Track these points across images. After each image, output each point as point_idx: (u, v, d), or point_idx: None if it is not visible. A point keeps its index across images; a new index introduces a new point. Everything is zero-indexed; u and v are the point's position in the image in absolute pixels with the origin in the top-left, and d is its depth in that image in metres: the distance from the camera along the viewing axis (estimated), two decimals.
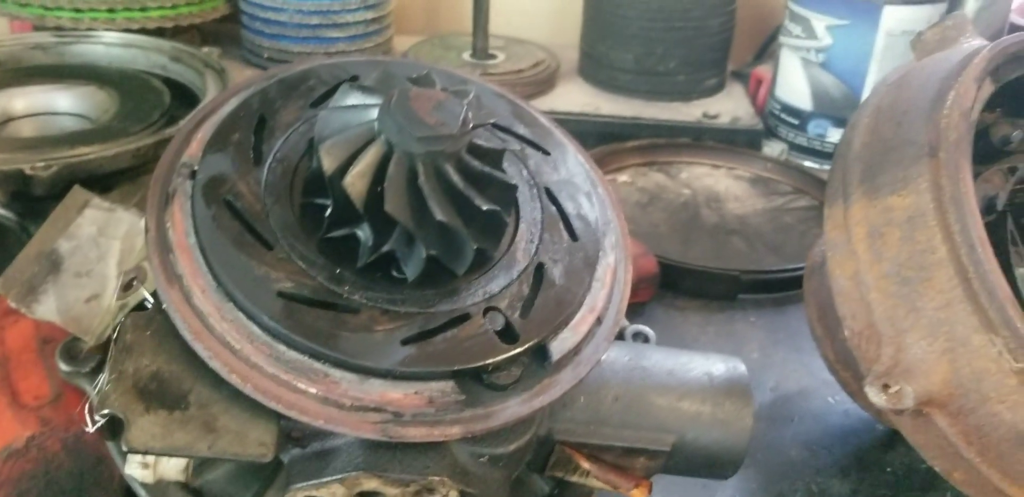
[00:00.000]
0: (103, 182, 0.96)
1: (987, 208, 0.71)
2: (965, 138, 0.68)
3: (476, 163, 0.61)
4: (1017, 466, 0.65)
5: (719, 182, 1.38)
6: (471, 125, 0.61)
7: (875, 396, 0.65)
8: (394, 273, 0.64)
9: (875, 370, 0.66)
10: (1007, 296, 0.63)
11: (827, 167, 1.41)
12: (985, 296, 0.63)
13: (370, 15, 1.49)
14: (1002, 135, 0.76)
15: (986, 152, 0.77)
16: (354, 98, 0.63)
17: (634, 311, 0.83)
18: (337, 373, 0.59)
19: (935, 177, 0.66)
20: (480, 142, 0.62)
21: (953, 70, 0.71)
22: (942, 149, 0.67)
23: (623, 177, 1.36)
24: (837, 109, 1.40)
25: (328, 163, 0.60)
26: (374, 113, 0.61)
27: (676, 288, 1.10)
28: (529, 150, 0.73)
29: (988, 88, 0.72)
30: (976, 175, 0.72)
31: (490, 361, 0.61)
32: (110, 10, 1.39)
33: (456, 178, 0.60)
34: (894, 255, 0.67)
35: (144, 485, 0.68)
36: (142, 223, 0.75)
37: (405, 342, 0.60)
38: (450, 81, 0.69)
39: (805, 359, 0.98)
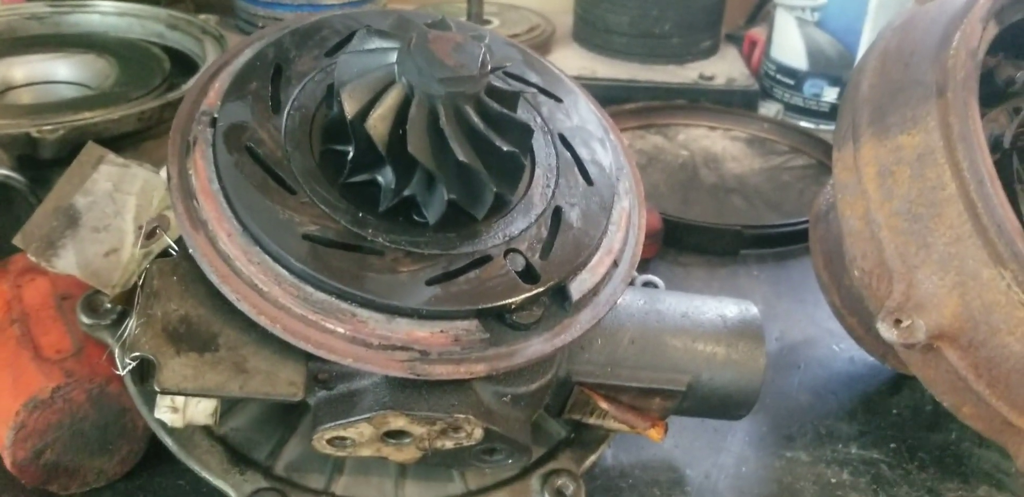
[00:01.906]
0: (107, 147, 0.96)
1: (993, 146, 0.72)
2: (972, 77, 0.69)
3: (495, 105, 0.62)
4: None
5: (716, 143, 1.39)
6: (490, 67, 0.62)
7: (887, 331, 0.67)
8: (415, 217, 0.65)
9: (887, 306, 0.67)
10: (1016, 229, 0.65)
11: (823, 127, 1.43)
12: (994, 230, 0.65)
13: None
14: (1007, 76, 0.77)
15: (991, 94, 0.78)
16: (373, 42, 0.64)
17: (639, 268, 0.84)
18: (364, 313, 0.60)
19: (943, 115, 0.68)
20: (498, 84, 0.63)
21: (958, 11, 0.72)
22: (950, 88, 0.68)
23: None
24: (833, 68, 1.41)
25: (349, 106, 0.61)
26: (393, 56, 0.62)
27: (679, 245, 1.11)
28: (542, 97, 0.74)
29: (992, 29, 0.73)
30: (982, 116, 0.73)
31: (512, 300, 0.62)
32: None
33: (476, 119, 0.61)
34: (904, 192, 0.68)
35: (171, 431, 0.69)
36: (157, 177, 0.76)
37: (430, 282, 0.61)
38: (465, 29, 0.70)
39: (809, 310, 1.00)
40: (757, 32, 1.58)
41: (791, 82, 1.46)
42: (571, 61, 1.52)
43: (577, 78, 1.40)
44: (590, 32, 1.56)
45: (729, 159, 1.34)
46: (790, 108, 1.47)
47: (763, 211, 1.20)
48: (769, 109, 1.47)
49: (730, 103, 1.45)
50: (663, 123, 1.42)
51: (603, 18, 1.52)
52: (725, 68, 1.52)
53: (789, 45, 1.44)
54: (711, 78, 1.48)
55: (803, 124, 1.44)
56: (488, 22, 1.57)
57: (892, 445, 0.83)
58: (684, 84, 1.47)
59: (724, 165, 1.32)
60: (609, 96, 1.41)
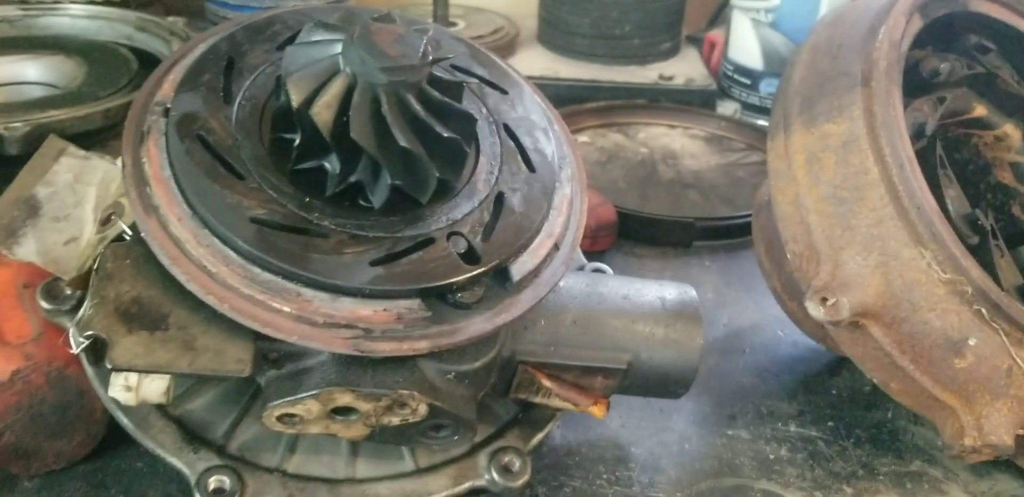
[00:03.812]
0: (74, 144, 0.98)
1: (917, 134, 0.76)
2: (895, 67, 0.72)
3: (436, 94, 0.65)
4: (947, 371, 0.70)
5: (675, 141, 1.42)
6: (431, 57, 0.65)
7: (814, 310, 0.70)
8: (361, 202, 0.67)
9: (814, 285, 0.70)
10: (935, 211, 0.68)
11: None
12: (914, 212, 0.68)
13: None
14: (931, 68, 0.80)
15: (918, 85, 0.81)
16: (318, 35, 0.67)
17: (595, 258, 0.87)
18: (309, 292, 0.62)
19: (867, 104, 0.71)
20: (441, 75, 0.66)
21: (884, 7, 0.76)
22: (874, 78, 0.72)
23: (583, 138, 1.40)
24: None
25: (296, 95, 0.64)
26: (338, 48, 0.64)
27: (635, 237, 1.15)
28: (487, 89, 0.77)
29: (916, 23, 0.76)
30: (908, 106, 0.77)
31: (454, 280, 0.65)
32: None
33: (417, 107, 0.64)
34: (830, 178, 0.71)
35: (127, 411, 0.71)
36: (117, 168, 0.78)
37: (373, 263, 0.63)
38: (411, 24, 0.73)
39: (756, 297, 1.03)
40: (717, 34, 1.62)
41: (747, 82, 1.49)
42: (535, 62, 1.55)
43: (540, 78, 1.46)
44: (553, 34, 1.60)
45: (687, 156, 1.37)
46: (747, 107, 1.51)
47: (717, 205, 1.24)
48: (727, 108, 1.51)
49: (689, 102, 1.49)
50: (624, 122, 1.46)
51: (565, 20, 1.56)
52: (685, 69, 1.56)
53: (745, 46, 1.48)
54: (671, 78, 1.51)
55: (759, 122, 1.47)
56: (454, 24, 1.60)
57: (830, 423, 0.86)
58: (644, 84, 1.50)
59: (682, 161, 1.35)
60: (572, 96, 1.45)
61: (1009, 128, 0.89)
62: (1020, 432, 0.72)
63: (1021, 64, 0.87)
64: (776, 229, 0.83)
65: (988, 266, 0.75)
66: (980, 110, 0.88)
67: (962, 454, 0.72)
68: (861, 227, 0.70)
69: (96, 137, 1.00)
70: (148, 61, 1.17)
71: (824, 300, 0.69)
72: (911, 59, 0.79)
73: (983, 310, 0.68)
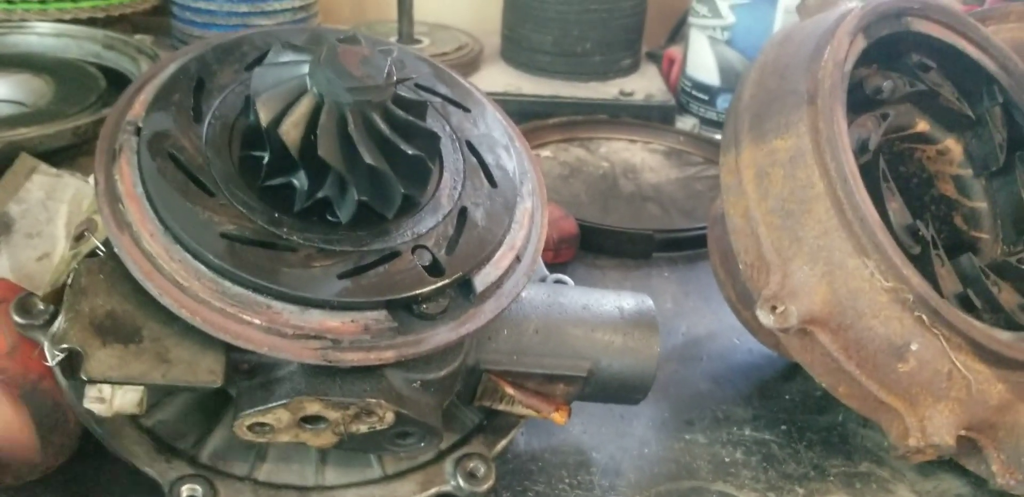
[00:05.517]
0: (44, 161, 1.00)
1: (861, 149, 0.79)
2: (839, 86, 0.76)
3: (401, 113, 0.68)
4: (891, 375, 0.73)
5: (635, 155, 1.46)
6: (395, 77, 0.67)
7: (764, 318, 0.73)
8: (329, 217, 0.70)
9: (764, 294, 0.74)
10: (877, 223, 0.72)
11: None
12: (858, 224, 0.71)
13: (297, 3, 1.54)
14: (875, 86, 0.84)
15: (862, 102, 0.85)
16: (286, 56, 0.69)
17: (558, 270, 0.90)
18: (279, 305, 0.65)
19: (813, 121, 0.74)
20: (405, 94, 0.69)
21: (830, 27, 0.79)
22: (819, 96, 0.75)
23: (545, 152, 1.43)
24: None
25: (264, 115, 0.66)
26: (305, 68, 0.67)
27: (596, 249, 1.18)
28: (451, 108, 0.79)
29: (860, 43, 0.80)
30: (852, 122, 0.81)
31: (419, 292, 0.67)
32: (42, 1, 1.42)
33: (383, 126, 0.66)
34: (778, 192, 0.75)
35: (100, 422, 0.73)
36: (88, 186, 0.80)
37: (341, 276, 0.66)
38: (375, 44, 0.75)
39: (713, 307, 1.06)
40: (676, 50, 1.65)
41: (705, 97, 1.53)
42: (498, 78, 1.59)
43: (504, 94, 1.49)
44: (516, 51, 1.63)
45: (647, 170, 1.41)
46: (705, 122, 1.54)
47: (676, 217, 1.27)
48: (686, 123, 1.55)
49: (649, 117, 1.52)
50: (585, 136, 1.49)
51: (528, 37, 1.59)
52: (644, 85, 1.59)
53: (702, 62, 1.52)
54: (631, 94, 1.55)
55: (717, 137, 1.51)
56: (418, 41, 1.63)
57: (783, 427, 0.89)
58: (605, 100, 1.54)
59: (642, 175, 1.39)
60: (534, 111, 1.48)
61: (950, 142, 0.93)
62: (961, 432, 0.76)
63: (961, 81, 0.91)
64: (729, 241, 0.86)
65: (930, 275, 0.79)
66: (923, 125, 0.92)
67: (907, 454, 0.75)
68: (808, 238, 0.73)
69: (65, 154, 1.02)
70: (116, 79, 1.19)
71: (774, 308, 0.73)
72: (856, 77, 0.82)
73: (923, 316, 0.72)
